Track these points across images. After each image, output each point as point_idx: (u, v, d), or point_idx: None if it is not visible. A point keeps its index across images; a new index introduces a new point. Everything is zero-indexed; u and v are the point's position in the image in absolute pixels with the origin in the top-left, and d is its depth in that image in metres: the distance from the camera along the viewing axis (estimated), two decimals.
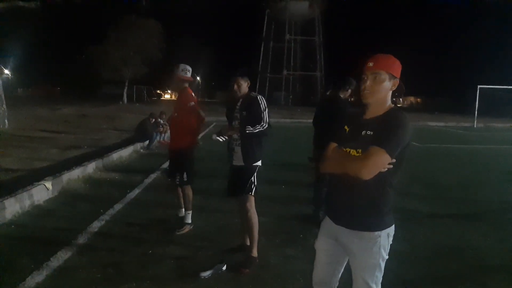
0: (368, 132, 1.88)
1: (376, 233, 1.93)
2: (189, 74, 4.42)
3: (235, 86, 3.58)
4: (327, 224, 2.13)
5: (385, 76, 1.91)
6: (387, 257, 2.00)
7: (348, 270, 2.15)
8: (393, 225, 2.01)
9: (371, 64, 1.93)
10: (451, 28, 60.31)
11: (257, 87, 54.90)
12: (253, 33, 71.39)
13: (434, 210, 5.52)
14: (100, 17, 41.72)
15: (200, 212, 5.04)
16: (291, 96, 58.88)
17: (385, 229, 1.96)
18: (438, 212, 5.43)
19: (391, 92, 1.97)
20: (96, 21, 41.97)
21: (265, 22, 59.97)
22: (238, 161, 3.56)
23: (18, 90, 51.63)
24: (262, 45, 61.01)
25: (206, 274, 3.33)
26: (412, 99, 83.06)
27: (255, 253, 3.59)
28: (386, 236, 1.97)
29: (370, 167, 1.77)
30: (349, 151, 1.92)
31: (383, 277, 2.04)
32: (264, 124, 3.48)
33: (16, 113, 17.58)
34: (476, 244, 4.30)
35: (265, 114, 3.50)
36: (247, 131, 3.43)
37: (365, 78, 1.94)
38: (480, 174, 8.66)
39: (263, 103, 3.52)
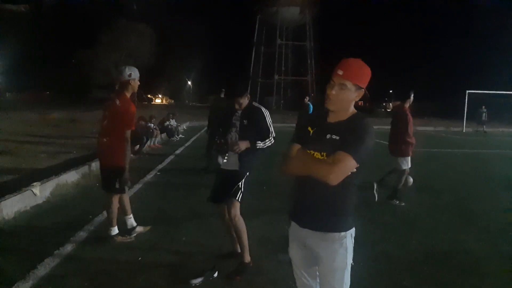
0: (334, 137, 1.89)
1: (342, 233, 1.94)
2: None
3: (236, 106, 3.57)
4: (294, 229, 2.15)
5: (351, 87, 1.88)
6: (351, 260, 1.99)
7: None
8: (354, 227, 2.02)
9: (340, 72, 1.88)
10: (441, 33, 61.15)
11: (249, 91, 54.99)
12: (245, 38, 71.61)
13: (427, 215, 5.53)
14: (91, 21, 41.57)
15: (191, 218, 4.98)
16: (282, 101, 59.03)
17: (349, 230, 1.98)
18: (431, 217, 5.43)
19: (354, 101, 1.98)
20: (87, 25, 41.79)
21: (257, 27, 60.17)
22: (230, 166, 3.49)
23: (7, 95, 50.97)
24: (254, 49, 61.20)
25: (197, 281, 3.27)
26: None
27: (247, 258, 3.53)
28: (350, 237, 1.98)
29: (338, 173, 1.78)
30: (314, 154, 1.92)
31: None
32: (272, 139, 3.55)
33: (4, 118, 17.35)
34: (469, 248, 4.30)
35: (272, 128, 3.56)
36: (258, 147, 3.45)
37: (333, 84, 1.91)
38: (471, 178, 8.70)
39: (267, 116, 3.55)
